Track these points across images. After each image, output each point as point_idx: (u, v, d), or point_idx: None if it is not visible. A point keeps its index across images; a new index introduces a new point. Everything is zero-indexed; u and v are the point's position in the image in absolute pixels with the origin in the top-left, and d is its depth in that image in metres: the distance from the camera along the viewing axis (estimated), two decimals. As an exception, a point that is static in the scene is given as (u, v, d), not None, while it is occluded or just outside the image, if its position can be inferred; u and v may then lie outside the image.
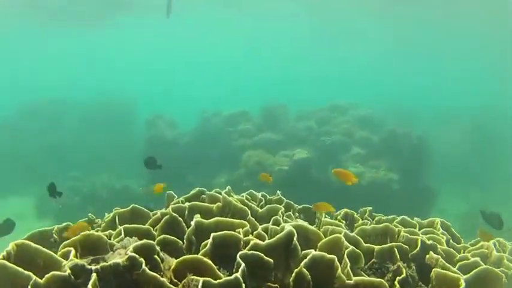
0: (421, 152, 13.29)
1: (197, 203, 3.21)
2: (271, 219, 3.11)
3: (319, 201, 3.90)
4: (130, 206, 3.32)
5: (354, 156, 12.86)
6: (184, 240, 2.71)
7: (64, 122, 18.62)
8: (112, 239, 2.71)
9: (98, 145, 17.22)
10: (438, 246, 3.08)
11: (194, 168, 13.54)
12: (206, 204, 3.22)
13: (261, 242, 2.48)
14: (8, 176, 15.50)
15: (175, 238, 2.72)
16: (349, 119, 14.40)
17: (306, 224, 3.06)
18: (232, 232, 2.54)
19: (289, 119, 14.80)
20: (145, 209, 3.31)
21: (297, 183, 11.37)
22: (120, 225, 2.89)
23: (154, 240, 2.54)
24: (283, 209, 3.50)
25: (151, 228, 2.90)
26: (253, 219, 3.12)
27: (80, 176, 14.77)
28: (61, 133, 17.87)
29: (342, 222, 3.66)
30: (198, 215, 2.96)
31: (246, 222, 2.83)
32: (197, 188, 3.62)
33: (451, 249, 3.19)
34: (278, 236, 2.50)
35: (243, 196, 3.74)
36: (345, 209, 4.12)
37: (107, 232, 2.87)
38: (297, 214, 3.97)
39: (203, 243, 2.58)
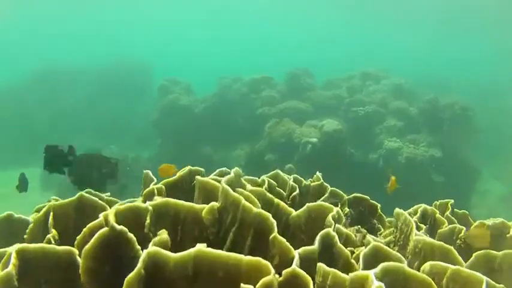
0: (465, 125, 11.85)
1: (170, 201, 1.63)
2: (320, 238, 1.62)
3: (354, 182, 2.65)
4: (76, 197, 1.85)
5: (390, 128, 11.50)
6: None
7: (74, 89, 17.56)
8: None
9: (110, 113, 16.27)
10: None
11: (212, 139, 12.37)
12: (188, 204, 1.64)
13: None
14: (15, 145, 14.73)
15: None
16: (383, 88, 13.03)
17: (401, 265, 1.64)
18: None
19: (316, 87, 13.43)
20: (98, 201, 1.87)
21: (328, 160, 10.08)
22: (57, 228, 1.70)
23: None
24: (335, 211, 1.87)
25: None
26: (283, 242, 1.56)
27: (90, 145, 13.68)
28: (71, 100, 16.86)
29: (422, 228, 2.32)
30: (164, 234, 1.51)
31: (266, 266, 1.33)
32: (188, 167, 2.15)
33: None
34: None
35: (264, 181, 2.28)
36: (423, 205, 2.66)
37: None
38: (347, 210, 2.55)
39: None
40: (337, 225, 1.81)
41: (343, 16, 32.56)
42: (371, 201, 2.74)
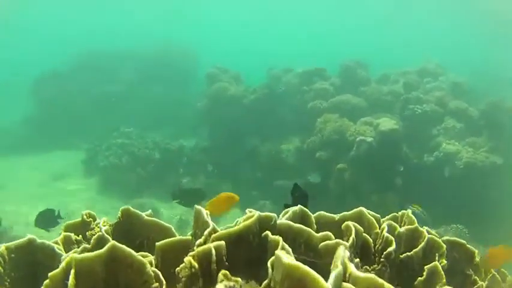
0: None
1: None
2: None
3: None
4: (106, 249, 1.45)
5: (448, 130, 10.85)
6: None
7: (118, 74, 17.47)
8: None
9: (154, 100, 16.09)
10: None
11: (260, 131, 11.99)
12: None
13: None
14: (58, 130, 14.83)
15: None
16: (441, 85, 12.36)
17: None
18: None
19: (371, 80, 12.84)
20: (135, 255, 1.50)
21: (383, 161, 9.59)
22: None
23: None
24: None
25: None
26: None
27: (132, 132, 13.52)
28: (114, 86, 16.83)
29: None
30: None
31: None
32: (256, 215, 1.68)
33: None
34: None
35: (349, 230, 1.85)
36: None
37: None
38: (445, 263, 2.10)
39: None
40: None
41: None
42: (467, 246, 2.33)
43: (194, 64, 18.34)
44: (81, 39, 22.47)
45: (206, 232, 1.62)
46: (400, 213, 2.40)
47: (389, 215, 2.43)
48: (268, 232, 1.55)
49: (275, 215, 1.74)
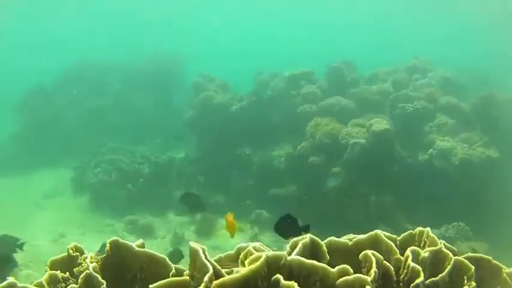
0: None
1: None
2: None
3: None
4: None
5: (441, 126, 10.68)
6: None
7: (106, 86, 17.23)
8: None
9: (142, 111, 15.83)
10: None
11: (250, 138, 11.79)
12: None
13: None
14: (45, 146, 14.54)
15: None
16: (430, 81, 12.20)
17: None
18: None
19: (360, 81, 12.64)
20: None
21: (378, 163, 9.42)
22: None
23: None
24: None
25: None
26: None
27: (120, 147, 13.28)
28: (102, 99, 16.50)
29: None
30: None
31: None
32: (263, 256, 1.48)
33: None
34: None
35: (370, 262, 1.67)
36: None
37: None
38: (473, 285, 1.89)
39: None
40: None
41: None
42: (494, 262, 2.13)
43: (182, 73, 18.06)
44: (68, 53, 22.13)
45: (206, 278, 1.40)
46: (417, 230, 2.20)
47: (406, 233, 2.25)
48: (279, 277, 1.33)
49: (285, 253, 1.51)
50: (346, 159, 9.52)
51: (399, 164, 9.78)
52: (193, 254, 1.56)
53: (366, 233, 2.10)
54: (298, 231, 3.88)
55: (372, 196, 9.31)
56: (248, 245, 1.88)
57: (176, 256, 6.18)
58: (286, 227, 3.94)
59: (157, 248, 9.70)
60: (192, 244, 1.64)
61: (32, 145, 14.90)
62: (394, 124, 10.38)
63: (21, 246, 5.93)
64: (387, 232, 6.59)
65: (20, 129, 16.25)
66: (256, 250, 1.82)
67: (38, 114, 16.06)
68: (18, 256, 7.19)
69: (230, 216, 3.83)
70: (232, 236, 3.62)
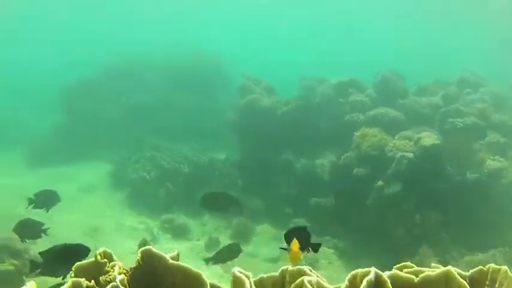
0: None
1: None
2: None
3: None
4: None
5: (492, 145, 10.28)
6: None
7: (148, 84, 17.24)
8: None
9: (184, 110, 15.78)
10: None
11: (293, 144, 11.61)
12: None
13: None
14: (85, 140, 14.64)
15: None
16: (483, 97, 11.78)
17: None
18: None
19: (409, 92, 12.30)
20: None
21: (424, 179, 9.09)
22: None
23: None
24: None
25: None
26: None
27: (161, 144, 13.24)
28: (143, 97, 16.58)
29: None
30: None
31: None
32: None
33: None
34: None
35: None
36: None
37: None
38: None
39: None
40: None
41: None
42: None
43: (226, 74, 18.02)
44: (112, 48, 22.36)
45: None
46: (489, 267, 1.95)
47: (476, 269, 1.99)
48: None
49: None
50: (391, 172, 9.22)
51: (447, 181, 9.41)
52: (239, 284, 1.43)
53: (420, 261, 1.90)
54: (308, 246, 3.82)
55: (416, 214, 8.99)
56: (294, 268, 1.84)
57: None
58: (297, 239, 3.74)
59: (191, 251, 9.63)
60: (237, 273, 1.60)
61: (73, 138, 15.08)
62: (443, 139, 10.02)
63: (45, 232, 5.77)
64: (431, 253, 6.21)
65: (62, 122, 16.54)
66: (311, 285, 1.67)
67: (80, 108, 16.28)
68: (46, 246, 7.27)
69: (295, 245, 3.37)
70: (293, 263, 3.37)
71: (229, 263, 7.06)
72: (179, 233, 10.39)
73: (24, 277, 6.27)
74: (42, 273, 4.01)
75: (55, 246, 3.81)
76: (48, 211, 6.30)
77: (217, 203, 6.90)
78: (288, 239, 3.78)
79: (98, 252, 1.97)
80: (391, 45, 31.93)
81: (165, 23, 33.58)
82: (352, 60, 22.41)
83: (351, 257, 9.35)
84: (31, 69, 25.33)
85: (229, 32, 37.04)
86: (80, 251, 3.62)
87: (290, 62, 25.81)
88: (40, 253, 4.00)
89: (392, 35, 34.76)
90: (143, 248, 1.84)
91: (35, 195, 6.27)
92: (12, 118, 17.87)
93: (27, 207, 6.29)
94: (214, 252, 6.67)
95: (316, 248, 3.88)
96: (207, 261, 6.50)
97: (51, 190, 6.42)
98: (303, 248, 3.73)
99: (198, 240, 10.28)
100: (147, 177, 11.99)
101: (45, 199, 6.30)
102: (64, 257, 3.64)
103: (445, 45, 30.70)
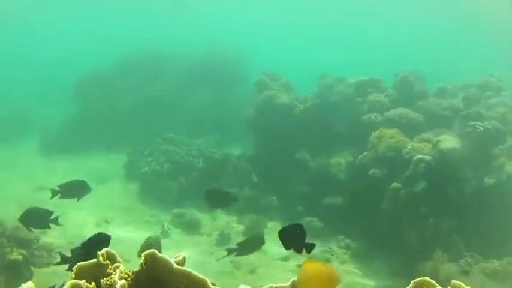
0: None
1: None
2: None
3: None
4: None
5: (512, 150, 10.13)
6: None
7: (164, 77, 17.21)
8: None
9: (199, 104, 15.70)
10: None
11: (310, 143, 11.47)
12: None
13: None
14: (99, 132, 14.67)
15: None
16: (505, 100, 11.53)
17: None
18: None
19: (429, 94, 12.07)
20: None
21: (441, 183, 8.89)
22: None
23: None
24: None
25: None
26: None
27: (176, 138, 13.17)
28: (159, 90, 16.57)
29: None
30: None
31: None
32: None
33: None
34: None
35: None
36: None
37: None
38: None
39: None
40: None
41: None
42: None
43: (243, 70, 17.89)
44: (128, 40, 22.36)
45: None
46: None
47: None
48: None
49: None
50: (408, 175, 9.04)
51: (464, 186, 9.21)
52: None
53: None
54: (302, 246, 3.79)
55: (431, 218, 8.79)
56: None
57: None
58: (292, 238, 3.80)
59: (202, 246, 9.54)
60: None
61: (87, 129, 15.12)
62: (462, 143, 9.79)
63: (55, 221, 5.65)
64: (446, 258, 5.99)
65: (76, 114, 16.59)
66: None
67: (94, 100, 16.32)
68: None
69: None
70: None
71: (240, 260, 6.96)
72: (190, 227, 10.33)
73: (32, 267, 6.23)
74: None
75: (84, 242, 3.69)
76: (78, 200, 6.18)
77: (212, 199, 6.84)
78: (282, 237, 3.75)
79: (100, 253, 1.91)
80: (411, 48, 31.56)
81: (186, 16, 33.51)
82: (372, 61, 22.11)
83: (364, 258, 9.22)
84: (48, 62, 25.35)
85: (249, 27, 36.83)
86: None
87: (309, 61, 25.58)
88: (71, 250, 3.98)
89: (413, 38, 34.38)
90: (147, 252, 1.77)
91: (63, 185, 6.13)
92: (29, 110, 17.99)
93: (51, 198, 6.18)
94: (235, 244, 6.48)
95: (309, 248, 3.80)
96: (230, 252, 6.33)
97: (82, 180, 6.30)
98: (298, 248, 3.74)
99: (209, 235, 10.20)
100: (160, 170, 11.95)
101: (75, 189, 6.17)
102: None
103: (466, 47, 30.39)
